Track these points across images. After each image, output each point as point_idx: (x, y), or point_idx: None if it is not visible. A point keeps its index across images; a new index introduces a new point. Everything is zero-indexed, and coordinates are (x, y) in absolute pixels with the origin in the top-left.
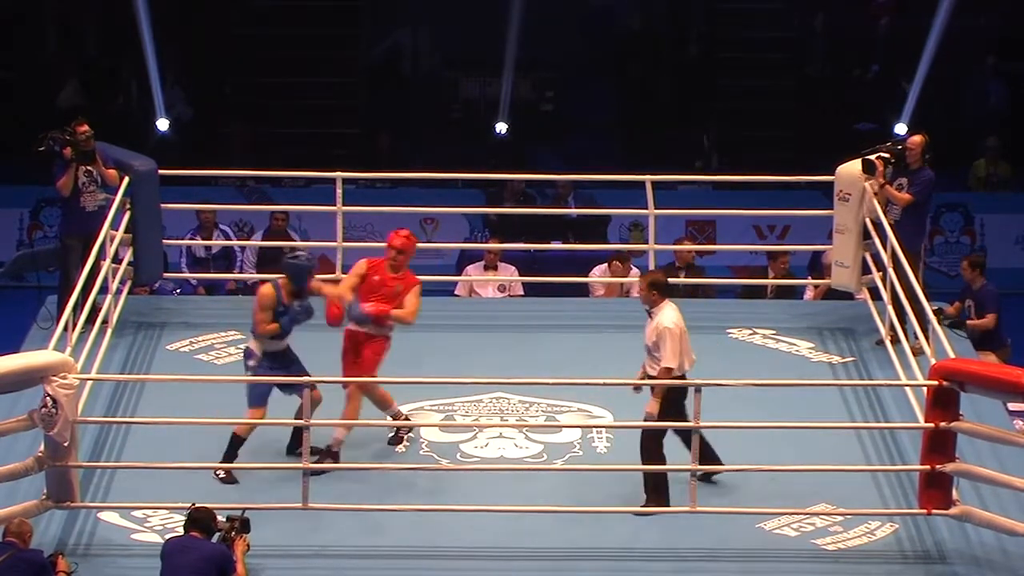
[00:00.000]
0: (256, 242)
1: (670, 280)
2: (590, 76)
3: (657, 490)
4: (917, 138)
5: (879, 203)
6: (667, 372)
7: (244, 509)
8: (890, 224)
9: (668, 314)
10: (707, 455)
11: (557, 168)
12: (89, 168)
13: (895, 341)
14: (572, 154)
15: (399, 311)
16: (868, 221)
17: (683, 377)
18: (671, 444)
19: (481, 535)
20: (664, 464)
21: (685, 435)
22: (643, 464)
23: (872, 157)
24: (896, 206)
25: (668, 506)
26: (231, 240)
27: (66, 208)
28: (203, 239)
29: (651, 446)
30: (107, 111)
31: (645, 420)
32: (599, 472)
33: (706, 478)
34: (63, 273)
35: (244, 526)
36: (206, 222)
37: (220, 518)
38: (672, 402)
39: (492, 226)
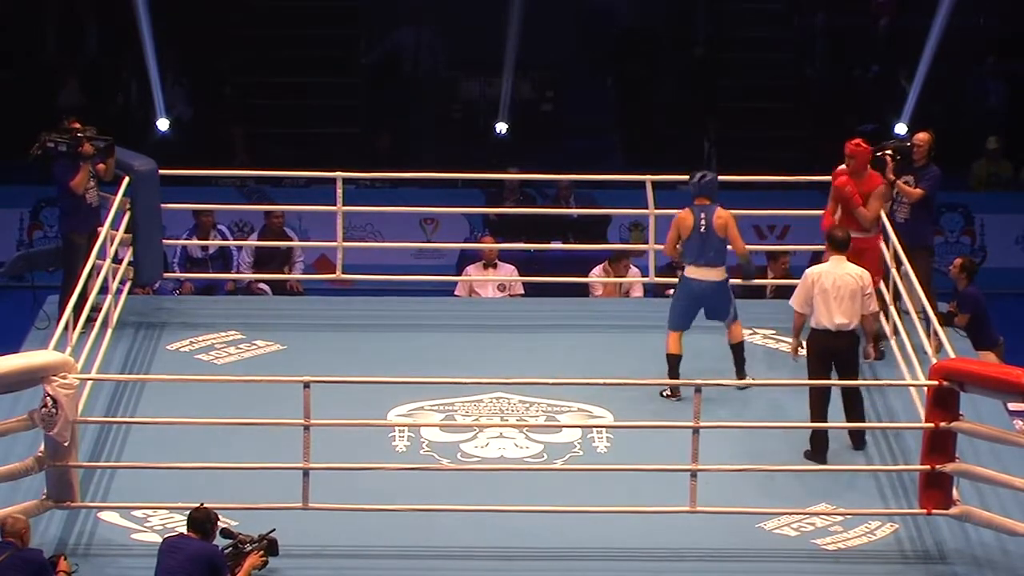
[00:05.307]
0: (252, 242)
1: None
2: (590, 76)
3: (815, 446)
4: (923, 135)
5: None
6: (796, 314)
7: (273, 529)
8: (900, 221)
9: (822, 264)
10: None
11: (557, 168)
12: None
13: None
14: (572, 154)
15: (862, 209)
16: None
17: (826, 331)
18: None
19: (481, 535)
20: (824, 421)
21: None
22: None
23: (880, 154)
24: (905, 204)
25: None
26: (228, 240)
27: (72, 206)
28: (200, 239)
29: (813, 405)
30: (107, 111)
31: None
32: (599, 472)
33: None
34: (68, 271)
35: (270, 547)
36: (204, 223)
37: (241, 530)
38: (816, 355)
39: (492, 226)
